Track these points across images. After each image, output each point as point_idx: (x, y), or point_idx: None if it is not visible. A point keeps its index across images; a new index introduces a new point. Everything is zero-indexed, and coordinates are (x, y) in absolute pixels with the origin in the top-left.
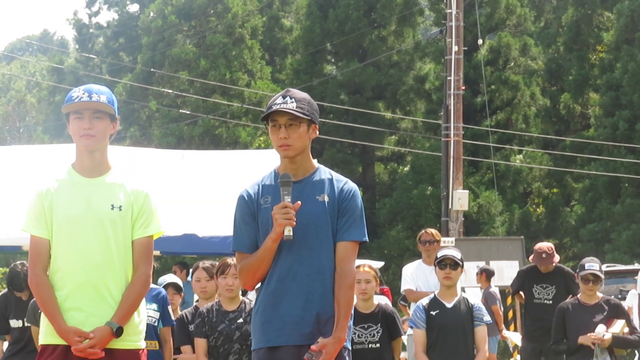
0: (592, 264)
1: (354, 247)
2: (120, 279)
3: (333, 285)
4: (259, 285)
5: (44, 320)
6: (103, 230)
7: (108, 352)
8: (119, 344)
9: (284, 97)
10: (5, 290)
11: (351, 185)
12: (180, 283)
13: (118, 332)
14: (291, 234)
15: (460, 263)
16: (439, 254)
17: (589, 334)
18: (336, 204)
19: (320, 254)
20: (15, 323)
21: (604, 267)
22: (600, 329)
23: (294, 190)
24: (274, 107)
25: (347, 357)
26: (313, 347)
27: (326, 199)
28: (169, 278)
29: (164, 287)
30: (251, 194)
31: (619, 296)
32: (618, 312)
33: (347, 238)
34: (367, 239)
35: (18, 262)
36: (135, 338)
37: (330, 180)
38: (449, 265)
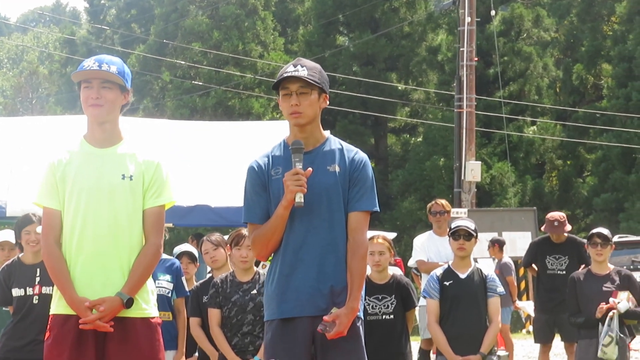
0: (599, 229)
1: (366, 217)
2: (131, 249)
3: (346, 255)
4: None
5: (56, 291)
6: (113, 200)
7: (119, 320)
8: (130, 312)
9: (294, 65)
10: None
11: (362, 155)
12: (195, 252)
13: (128, 303)
14: (302, 200)
15: (474, 234)
16: (453, 225)
17: (602, 305)
18: (347, 174)
19: (332, 224)
20: (17, 292)
21: (616, 238)
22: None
23: (305, 161)
24: (285, 75)
25: (360, 327)
26: (326, 317)
27: (337, 169)
28: (184, 247)
29: (177, 256)
30: (261, 164)
31: (631, 267)
32: (629, 283)
33: (358, 208)
34: (378, 209)
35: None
36: (145, 306)
37: (341, 150)
38: (462, 236)
